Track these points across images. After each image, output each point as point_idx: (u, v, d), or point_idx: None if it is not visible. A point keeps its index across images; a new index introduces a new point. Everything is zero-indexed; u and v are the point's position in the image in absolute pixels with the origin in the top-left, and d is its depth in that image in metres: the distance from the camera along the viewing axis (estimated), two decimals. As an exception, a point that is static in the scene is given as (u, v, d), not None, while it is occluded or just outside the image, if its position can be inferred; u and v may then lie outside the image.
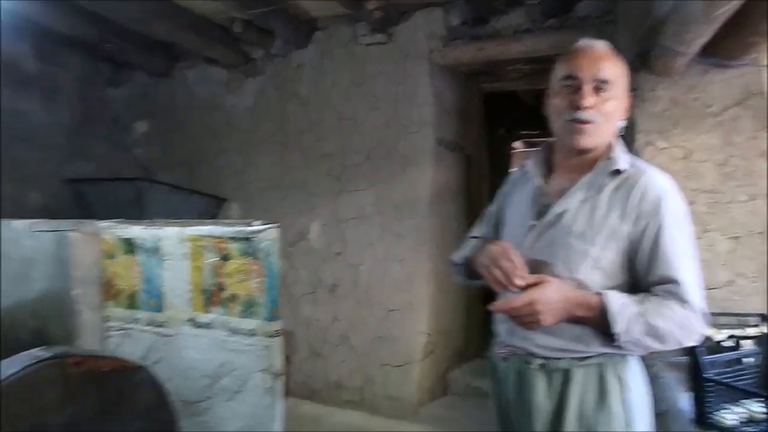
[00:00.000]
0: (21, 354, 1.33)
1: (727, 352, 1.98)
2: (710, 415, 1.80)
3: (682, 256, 1.27)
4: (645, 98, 2.58)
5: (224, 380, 1.75)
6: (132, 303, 1.89)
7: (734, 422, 1.75)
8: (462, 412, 3.55)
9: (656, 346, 1.25)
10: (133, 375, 1.49)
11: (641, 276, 1.29)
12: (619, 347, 1.26)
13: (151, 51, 4.25)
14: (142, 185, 3.85)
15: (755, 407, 1.78)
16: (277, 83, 4.06)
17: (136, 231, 1.87)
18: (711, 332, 1.97)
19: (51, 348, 1.38)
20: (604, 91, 1.32)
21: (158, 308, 1.85)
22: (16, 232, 2.00)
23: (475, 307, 4.16)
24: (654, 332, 1.23)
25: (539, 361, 1.34)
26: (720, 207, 2.48)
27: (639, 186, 1.30)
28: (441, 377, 3.84)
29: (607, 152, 1.37)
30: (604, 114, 1.33)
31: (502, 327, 1.44)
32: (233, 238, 1.68)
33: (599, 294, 1.25)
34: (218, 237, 1.71)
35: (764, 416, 1.73)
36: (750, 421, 1.77)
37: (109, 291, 1.92)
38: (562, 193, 1.37)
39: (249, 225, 1.65)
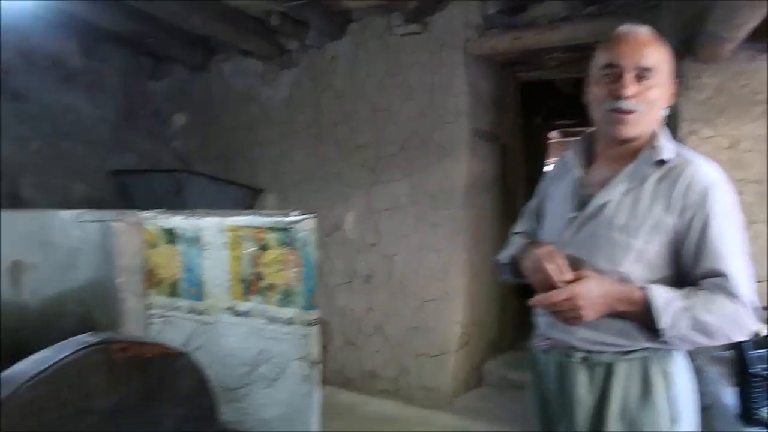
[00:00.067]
0: (68, 340, 1.36)
1: (775, 347, 1.92)
2: (756, 411, 1.75)
3: (731, 248, 1.23)
4: (690, 86, 2.51)
5: (262, 368, 1.78)
6: (173, 291, 1.93)
7: (781, 419, 1.71)
8: (496, 404, 3.53)
9: (704, 341, 1.21)
10: (175, 361, 1.52)
11: (688, 269, 1.26)
12: (665, 342, 1.23)
13: (189, 45, 4.32)
14: (181, 176, 3.93)
15: (804, 404, 1.73)
16: (312, 75, 4.08)
17: (177, 221, 1.90)
18: (759, 327, 1.91)
19: (97, 334, 1.42)
20: (647, 78, 1.28)
21: (198, 296, 1.88)
22: (64, 222, 2.06)
23: (511, 299, 4.13)
24: (702, 327, 1.19)
25: (581, 355, 1.32)
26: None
27: (685, 176, 1.26)
28: (476, 368, 3.82)
29: (650, 141, 1.33)
30: (647, 102, 1.29)
31: (542, 319, 1.42)
32: (271, 229, 1.69)
33: (643, 288, 1.22)
34: (257, 227, 1.73)
35: (813, 414, 1.68)
36: (798, 419, 1.72)
37: (151, 279, 1.96)
38: (603, 184, 1.33)
39: (287, 216, 1.66)
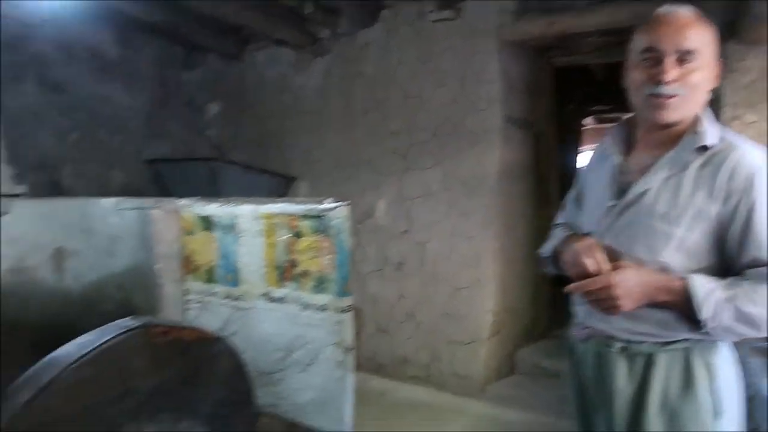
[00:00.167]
0: (110, 324, 1.40)
1: (820, 339, 1.86)
2: (800, 405, 1.70)
3: None
4: (733, 69, 2.42)
5: (297, 353, 1.80)
6: (210, 277, 1.97)
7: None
8: (529, 392, 3.51)
9: (749, 333, 1.17)
10: (212, 345, 1.55)
11: (731, 258, 1.22)
12: (707, 333, 1.19)
13: (222, 35, 4.36)
14: (216, 165, 3.99)
15: None
16: (344, 62, 4.07)
17: (213, 209, 1.93)
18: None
19: (137, 318, 1.45)
20: (689, 62, 1.23)
21: (234, 283, 1.92)
22: (104, 210, 2.11)
23: (544, 287, 4.08)
24: (746, 319, 1.16)
25: (620, 344, 1.30)
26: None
27: (728, 162, 1.21)
28: (508, 356, 3.81)
29: (693, 126, 1.28)
30: (690, 86, 1.24)
31: (580, 308, 1.40)
32: (305, 216, 1.71)
33: (683, 278, 1.19)
34: (291, 215, 1.75)
35: None
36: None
37: (188, 266, 2.01)
38: (643, 171, 1.30)
39: (320, 203, 1.67)
